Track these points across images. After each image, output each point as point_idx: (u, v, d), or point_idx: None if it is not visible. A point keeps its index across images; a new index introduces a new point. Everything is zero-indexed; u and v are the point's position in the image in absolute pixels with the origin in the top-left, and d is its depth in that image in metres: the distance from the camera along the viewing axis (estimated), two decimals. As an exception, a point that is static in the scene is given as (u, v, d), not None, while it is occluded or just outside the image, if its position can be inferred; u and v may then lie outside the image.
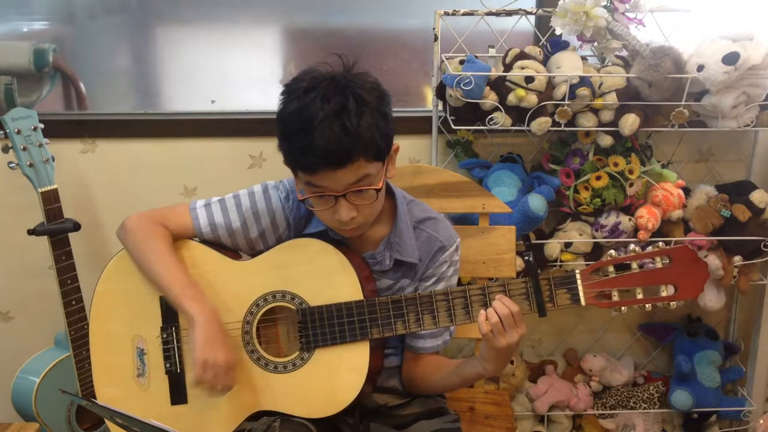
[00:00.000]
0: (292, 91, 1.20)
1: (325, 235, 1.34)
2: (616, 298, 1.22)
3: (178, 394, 1.35)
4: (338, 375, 1.30)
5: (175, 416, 1.34)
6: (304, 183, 1.22)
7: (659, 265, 1.20)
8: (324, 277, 1.31)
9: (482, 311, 1.21)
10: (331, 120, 1.14)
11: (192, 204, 1.39)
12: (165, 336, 1.35)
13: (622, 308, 1.22)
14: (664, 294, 1.21)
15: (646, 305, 1.21)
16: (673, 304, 1.22)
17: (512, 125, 1.74)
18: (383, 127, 1.19)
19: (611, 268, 1.22)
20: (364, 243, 1.35)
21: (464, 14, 1.81)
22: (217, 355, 1.24)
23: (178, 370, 1.35)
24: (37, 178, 1.73)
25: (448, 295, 1.27)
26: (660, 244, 1.21)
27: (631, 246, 1.22)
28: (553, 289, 1.23)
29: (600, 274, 1.22)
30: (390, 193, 1.38)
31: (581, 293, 1.22)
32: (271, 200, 1.36)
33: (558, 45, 1.77)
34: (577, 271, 1.22)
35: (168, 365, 1.35)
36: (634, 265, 1.21)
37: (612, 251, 1.23)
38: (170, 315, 1.35)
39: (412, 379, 1.42)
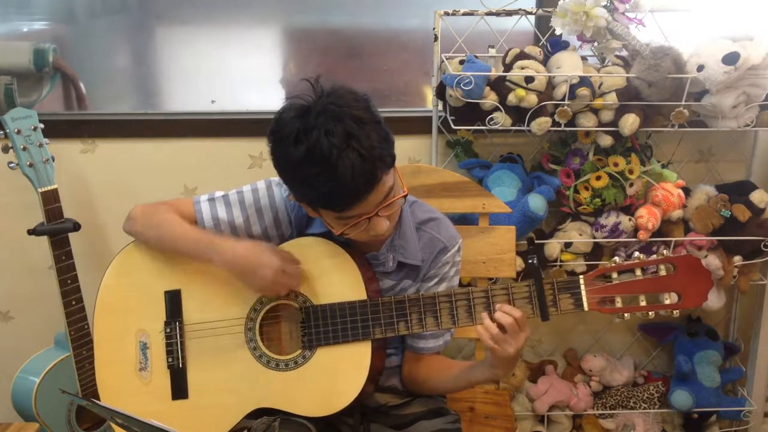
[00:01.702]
0: (286, 136, 1.15)
1: (328, 235, 1.34)
2: (619, 304, 1.22)
3: (179, 389, 1.35)
4: (339, 374, 1.30)
5: (175, 411, 1.34)
6: (333, 218, 1.21)
7: (663, 272, 1.20)
8: (328, 276, 1.31)
9: (479, 327, 1.21)
10: (347, 152, 1.12)
11: (195, 198, 1.39)
12: (168, 331, 1.36)
13: (626, 315, 1.22)
14: (667, 301, 1.21)
15: (649, 313, 1.21)
16: (675, 312, 1.21)
17: (512, 125, 1.74)
18: (385, 134, 1.18)
19: (615, 274, 1.22)
20: (368, 244, 1.35)
21: (464, 14, 1.81)
22: (261, 277, 1.26)
23: (180, 365, 1.35)
24: (37, 178, 1.73)
25: (451, 296, 1.27)
26: (663, 251, 1.21)
27: (636, 253, 1.21)
28: (557, 294, 1.23)
29: (603, 279, 1.22)
30: None
31: (584, 299, 1.22)
32: (274, 197, 1.36)
33: (558, 45, 1.77)
34: (581, 277, 1.22)
35: (170, 360, 1.35)
36: (638, 272, 1.21)
37: (616, 258, 1.23)
38: (174, 310, 1.36)
39: (414, 380, 1.42)
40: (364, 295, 1.30)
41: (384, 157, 1.16)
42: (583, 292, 1.22)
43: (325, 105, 1.15)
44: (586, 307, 1.22)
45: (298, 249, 1.33)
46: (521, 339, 1.20)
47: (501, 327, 1.20)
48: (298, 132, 1.14)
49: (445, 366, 1.40)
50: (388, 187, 1.19)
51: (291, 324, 1.36)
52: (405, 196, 1.24)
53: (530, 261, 1.23)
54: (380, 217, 1.21)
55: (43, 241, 1.76)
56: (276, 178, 1.38)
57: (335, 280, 1.30)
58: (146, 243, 1.37)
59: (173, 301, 1.36)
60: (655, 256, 1.21)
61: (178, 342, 1.35)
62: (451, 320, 1.27)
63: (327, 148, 1.11)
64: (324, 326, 1.30)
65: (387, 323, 1.29)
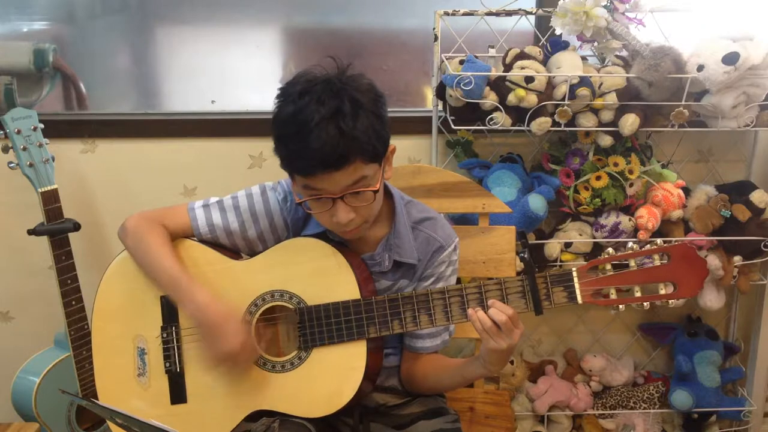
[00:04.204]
0: (286, 94, 1.19)
1: (324, 237, 1.34)
2: (613, 296, 1.21)
3: (177, 394, 1.35)
4: (336, 374, 1.30)
5: (174, 416, 1.34)
6: (301, 186, 1.22)
7: (657, 262, 1.19)
8: (322, 276, 1.31)
9: (470, 310, 1.21)
10: (327, 122, 1.13)
11: (190, 204, 1.39)
12: (165, 336, 1.36)
13: (620, 306, 1.21)
14: (662, 292, 1.20)
15: (645, 303, 1.20)
16: (671, 302, 1.21)
17: (512, 125, 1.74)
18: (379, 129, 1.19)
19: (609, 266, 1.21)
20: (363, 244, 1.35)
21: (464, 14, 1.81)
22: (224, 345, 1.25)
23: (178, 370, 1.35)
24: (37, 178, 1.73)
25: (444, 293, 1.27)
26: (658, 241, 1.20)
27: (630, 243, 1.21)
28: (550, 287, 1.22)
29: (597, 272, 1.21)
30: (388, 194, 1.38)
31: (578, 291, 1.21)
32: (269, 202, 1.36)
33: (558, 45, 1.77)
34: (574, 269, 1.21)
35: (168, 365, 1.35)
36: (632, 263, 1.20)
37: (610, 249, 1.22)
38: (170, 315, 1.36)
39: (412, 379, 1.42)
40: (358, 295, 1.29)
41: (365, 144, 1.16)
42: (577, 285, 1.21)
43: (334, 79, 1.18)
44: (579, 299, 1.21)
45: (293, 249, 1.33)
46: (516, 335, 1.20)
47: (496, 324, 1.20)
48: (297, 93, 1.17)
49: (442, 364, 1.39)
50: (361, 176, 1.19)
51: (288, 325, 1.36)
52: (375, 191, 1.22)
53: (521, 255, 1.23)
54: (345, 205, 1.21)
55: (43, 241, 1.76)
56: (270, 183, 1.38)
57: (329, 281, 1.30)
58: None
59: (169, 306, 1.35)
60: (648, 246, 1.20)
61: (175, 347, 1.35)
62: (444, 317, 1.27)
63: (310, 114, 1.14)
64: (319, 326, 1.30)
65: (381, 322, 1.28)
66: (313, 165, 1.16)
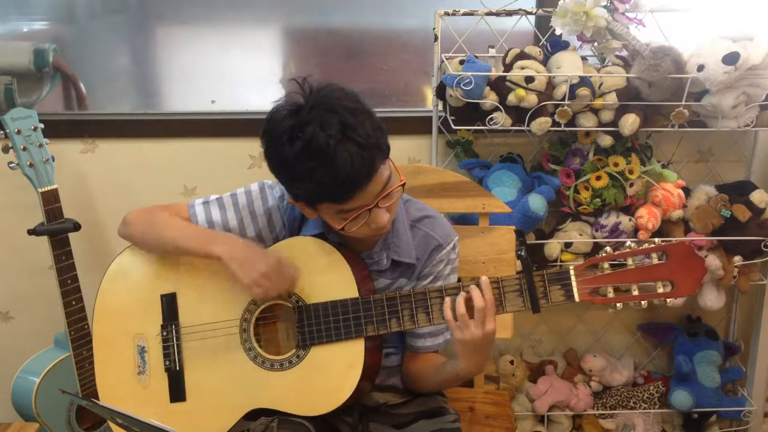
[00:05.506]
0: (280, 134, 1.16)
1: (322, 237, 1.34)
2: (611, 294, 1.20)
3: (176, 392, 1.36)
4: (334, 372, 1.30)
5: (173, 414, 1.35)
6: (334, 213, 1.21)
7: (656, 261, 1.19)
8: (321, 275, 1.31)
9: (447, 299, 1.21)
10: (344, 142, 1.13)
11: (190, 202, 1.40)
12: (165, 334, 1.36)
13: (618, 305, 1.20)
14: (660, 290, 1.19)
15: (642, 302, 1.20)
16: (669, 300, 1.20)
17: (512, 125, 1.74)
18: (378, 123, 1.19)
19: (606, 264, 1.20)
20: (361, 243, 1.35)
21: (464, 14, 1.81)
22: (255, 270, 1.25)
23: (177, 368, 1.35)
24: (37, 178, 1.74)
25: (442, 292, 1.27)
26: (657, 240, 1.20)
27: (627, 242, 1.20)
28: (547, 285, 1.22)
29: (595, 270, 1.21)
30: None
31: (575, 289, 1.21)
32: (267, 200, 1.36)
33: (558, 45, 1.77)
34: (571, 267, 1.21)
35: (167, 363, 1.36)
36: (630, 261, 1.20)
37: (608, 248, 1.21)
38: (170, 313, 1.36)
39: (409, 378, 1.42)
40: (357, 294, 1.29)
41: (380, 145, 1.17)
42: (574, 283, 1.21)
43: (316, 100, 1.16)
44: (577, 297, 1.21)
45: (291, 248, 1.33)
46: (477, 331, 1.18)
47: (470, 310, 1.19)
48: (293, 129, 1.15)
49: (435, 363, 1.39)
50: (386, 177, 1.20)
51: (288, 324, 1.36)
52: (403, 185, 1.24)
53: (519, 252, 1.23)
54: (380, 209, 1.21)
55: (43, 241, 1.76)
56: (269, 181, 1.38)
57: (328, 280, 1.30)
58: (144, 245, 1.37)
59: (169, 304, 1.36)
60: (646, 244, 1.19)
61: (175, 345, 1.36)
62: (442, 315, 1.27)
63: (324, 140, 1.12)
64: (317, 325, 1.30)
65: (379, 320, 1.28)
66: (348, 188, 1.15)
